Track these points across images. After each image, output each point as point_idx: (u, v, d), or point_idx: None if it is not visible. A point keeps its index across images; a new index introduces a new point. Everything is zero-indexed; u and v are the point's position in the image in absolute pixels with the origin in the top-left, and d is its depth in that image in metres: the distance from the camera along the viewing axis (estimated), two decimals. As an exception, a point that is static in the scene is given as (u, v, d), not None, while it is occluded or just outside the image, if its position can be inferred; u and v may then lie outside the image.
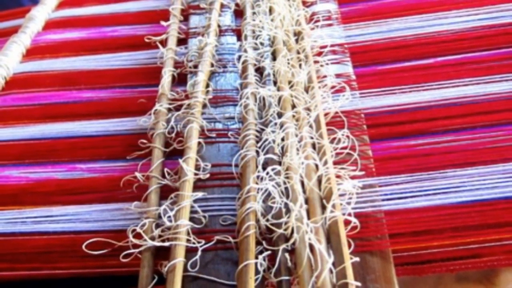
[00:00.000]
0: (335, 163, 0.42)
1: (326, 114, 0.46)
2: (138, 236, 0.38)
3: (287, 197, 0.39)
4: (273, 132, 0.44)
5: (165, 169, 0.43)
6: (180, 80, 0.53)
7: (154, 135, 0.46)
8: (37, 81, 0.56)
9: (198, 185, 0.42)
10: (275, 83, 0.50)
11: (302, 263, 0.34)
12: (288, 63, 0.51)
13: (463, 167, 0.42)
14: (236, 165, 0.43)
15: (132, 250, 0.38)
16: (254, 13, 0.59)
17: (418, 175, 0.42)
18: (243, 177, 0.41)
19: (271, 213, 0.38)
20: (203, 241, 0.38)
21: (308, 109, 0.46)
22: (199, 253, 0.37)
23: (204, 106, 0.49)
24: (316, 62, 0.51)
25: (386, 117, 0.47)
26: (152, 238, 0.38)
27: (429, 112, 0.47)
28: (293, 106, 0.46)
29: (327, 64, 0.51)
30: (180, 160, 0.43)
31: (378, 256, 0.37)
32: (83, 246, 0.39)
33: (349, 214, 0.38)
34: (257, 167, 0.41)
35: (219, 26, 0.59)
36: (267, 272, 0.36)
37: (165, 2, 0.66)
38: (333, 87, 0.49)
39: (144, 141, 0.46)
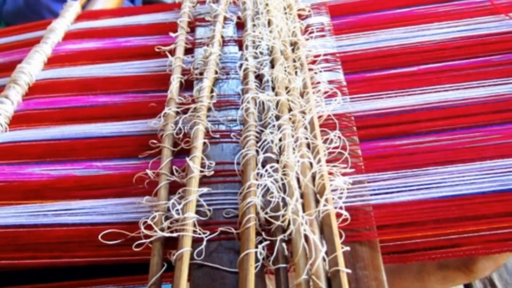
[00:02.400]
0: (327, 161, 0.42)
1: (319, 117, 0.46)
2: (149, 227, 0.38)
3: (284, 192, 0.39)
4: (271, 133, 0.44)
5: (174, 167, 0.43)
6: (187, 86, 0.53)
7: (163, 136, 0.46)
8: (57, 87, 0.56)
9: (203, 181, 0.42)
10: (273, 88, 0.50)
11: (298, 252, 0.34)
12: (285, 71, 0.51)
13: (444, 165, 0.42)
14: (238, 163, 0.43)
15: (143, 240, 0.38)
16: (254, 25, 0.59)
17: (403, 172, 0.42)
18: (244, 174, 0.41)
19: (270, 206, 0.38)
20: (208, 232, 0.38)
21: (303, 112, 0.46)
22: (204, 243, 0.37)
23: (209, 109, 0.49)
24: (310, 69, 0.51)
25: (374, 120, 0.47)
26: (162, 229, 0.38)
27: (413, 115, 0.47)
28: (290, 110, 0.46)
29: (320, 71, 0.51)
30: (187, 159, 0.43)
31: (366, 245, 0.37)
32: (99, 237, 0.39)
33: (341, 208, 0.38)
34: (257, 165, 0.41)
35: (222, 37, 0.59)
36: (266, 260, 0.36)
37: (173, 15, 0.65)
38: (326, 92, 0.49)
39: (155, 141, 0.46)
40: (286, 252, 0.36)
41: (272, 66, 0.53)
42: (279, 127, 0.44)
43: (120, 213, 0.42)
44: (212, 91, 0.51)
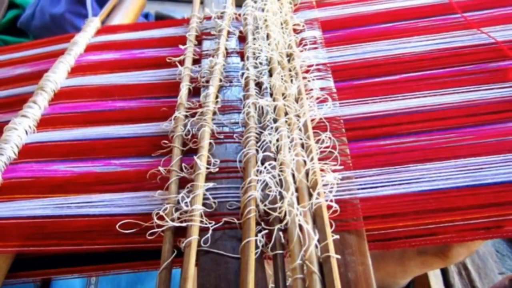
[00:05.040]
0: (319, 159, 0.42)
1: (312, 120, 0.46)
2: (161, 218, 0.38)
3: (281, 186, 0.39)
4: (269, 134, 0.44)
5: (183, 164, 0.44)
6: (194, 92, 0.53)
7: (174, 137, 0.46)
8: (79, 94, 0.56)
9: (209, 177, 0.42)
10: (271, 95, 0.50)
11: (293, 240, 0.34)
12: (282, 79, 0.51)
13: (422, 163, 0.42)
14: (240, 161, 0.43)
15: (156, 230, 0.38)
16: (254, 38, 0.59)
17: (386, 169, 0.42)
18: (246, 170, 0.41)
19: (268, 199, 0.38)
20: (214, 222, 0.38)
21: (298, 116, 0.46)
22: (210, 232, 0.37)
23: (214, 113, 0.49)
24: (304, 78, 0.51)
25: (361, 122, 0.47)
26: (172, 220, 0.38)
27: (395, 118, 0.47)
28: (286, 114, 0.46)
29: (313, 79, 0.51)
30: (195, 157, 0.43)
31: (354, 234, 0.37)
32: (117, 226, 0.39)
33: (331, 200, 0.38)
34: (256, 162, 0.41)
35: (226, 49, 0.59)
36: (265, 247, 0.36)
37: (182, 29, 0.65)
38: (318, 98, 0.49)
39: (166, 141, 0.46)
40: (283, 240, 0.36)
41: (270, 75, 0.53)
42: (276, 129, 0.44)
43: (135, 205, 0.42)
44: (217, 97, 0.51)
